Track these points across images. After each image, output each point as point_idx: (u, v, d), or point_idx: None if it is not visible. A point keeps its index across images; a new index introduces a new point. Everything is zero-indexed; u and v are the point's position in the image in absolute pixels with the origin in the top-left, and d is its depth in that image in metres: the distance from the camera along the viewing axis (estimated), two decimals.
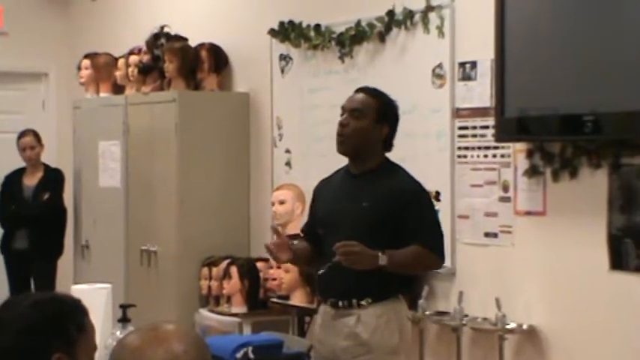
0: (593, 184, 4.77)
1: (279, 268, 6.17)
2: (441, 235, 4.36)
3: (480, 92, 5.36)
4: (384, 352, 4.24)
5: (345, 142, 4.34)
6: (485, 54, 5.23)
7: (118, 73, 7.81)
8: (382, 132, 4.34)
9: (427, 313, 5.44)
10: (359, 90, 4.45)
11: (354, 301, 4.26)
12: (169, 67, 7.12)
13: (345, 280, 4.23)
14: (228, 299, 6.55)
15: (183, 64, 7.10)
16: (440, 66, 5.58)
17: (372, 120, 4.32)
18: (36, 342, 2.36)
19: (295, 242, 4.50)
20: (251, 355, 3.67)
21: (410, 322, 4.43)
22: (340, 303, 4.30)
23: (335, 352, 4.28)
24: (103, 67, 8.04)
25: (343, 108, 4.39)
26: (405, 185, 4.33)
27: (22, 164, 8.14)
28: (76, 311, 2.45)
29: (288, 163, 6.70)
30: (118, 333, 3.71)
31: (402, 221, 4.23)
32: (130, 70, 7.59)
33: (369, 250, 4.16)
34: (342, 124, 4.35)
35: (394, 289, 4.32)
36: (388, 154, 4.41)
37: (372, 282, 4.22)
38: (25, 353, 2.36)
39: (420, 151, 5.61)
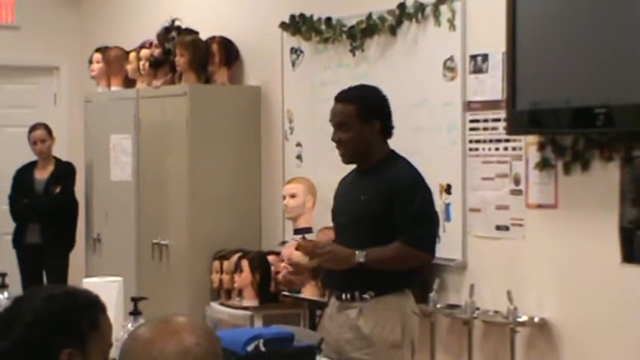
0: (605, 177, 4.76)
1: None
2: (428, 229, 4.37)
3: (492, 85, 5.34)
4: (385, 346, 4.27)
5: (345, 154, 4.44)
6: (496, 46, 5.21)
7: (129, 67, 7.81)
8: (374, 128, 4.38)
9: (438, 306, 5.44)
10: (336, 99, 4.48)
11: (357, 293, 4.30)
12: (180, 60, 7.12)
13: (348, 273, 4.27)
14: (240, 292, 6.55)
15: (195, 57, 7.10)
16: (451, 59, 5.57)
17: (358, 125, 4.37)
18: (45, 335, 2.36)
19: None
20: (262, 348, 3.67)
21: (416, 317, 4.42)
22: (343, 296, 4.34)
23: (339, 344, 4.33)
24: (114, 61, 8.05)
25: (331, 122, 4.47)
26: (397, 178, 4.34)
27: (34, 158, 8.16)
28: (90, 307, 2.44)
29: (299, 157, 6.70)
30: (129, 326, 3.72)
31: (392, 215, 4.25)
32: (141, 63, 7.60)
33: (343, 248, 4.25)
34: (334, 141, 4.44)
35: (399, 283, 4.33)
36: (398, 147, 4.44)
37: (375, 275, 4.25)
38: (35, 346, 2.36)
39: (432, 144, 5.60)
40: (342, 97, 4.45)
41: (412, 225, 4.27)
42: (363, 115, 4.36)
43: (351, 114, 4.36)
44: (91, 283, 4.10)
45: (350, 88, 4.56)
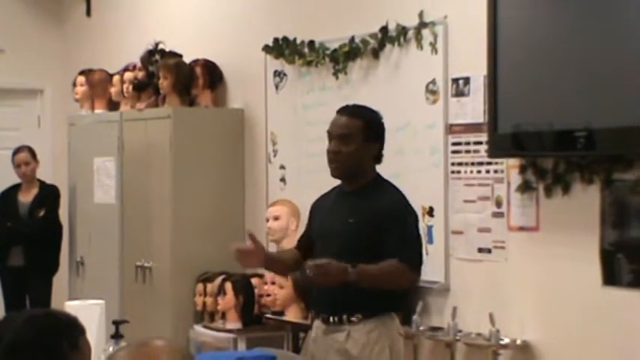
0: (586, 200, 4.78)
1: (273, 284, 6.17)
2: (418, 249, 4.37)
3: (473, 108, 5.37)
4: None
5: (340, 167, 4.38)
6: (478, 70, 5.24)
7: (112, 90, 7.82)
8: (372, 150, 4.38)
9: (421, 328, 5.44)
10: (341, 112, 4.45)
11: (345, 317, 4.29)
12: (164, 83, 7.13)
13: (335, 296, 4.26)
14: (223, 315, 6.55)
15: (178, 80, 7.11)
16: (433, 82, 5.60)
17: (361, 141, 4.35)
18: (26, 357, 2.36)
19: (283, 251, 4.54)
20: None
21: (402, 339, 4.43)
22: (331, 319, 4.33)
23: None
24: (98, 84, 8.05)
25: (330, 133, 4.42)
26: (387, 205, 4.34)
27: (18, 181, 8.14)
28: (70, 328, 2.44)
29: (282, 179, 6.71)
30: (110, 349, 3.72)
31: (381, 239, 4.24)
32: (125, 86, 7.60)
33: (338, 264, 4.15)
34: (333, 152, 4.38)
35: (386, 305, 4.33)
36: (381, 169, 4.45)
37: (362, 298, 4.24)
38: None
39: (414, 166, 5.62)
40: (350, 111, 4.43)
41: (404, 245, 4.26)
42: (368, 134, 4.36)
43: (357, 127, 4.34)
44: (73, 306, 4.09)
45: (356, 105, 4.57)
